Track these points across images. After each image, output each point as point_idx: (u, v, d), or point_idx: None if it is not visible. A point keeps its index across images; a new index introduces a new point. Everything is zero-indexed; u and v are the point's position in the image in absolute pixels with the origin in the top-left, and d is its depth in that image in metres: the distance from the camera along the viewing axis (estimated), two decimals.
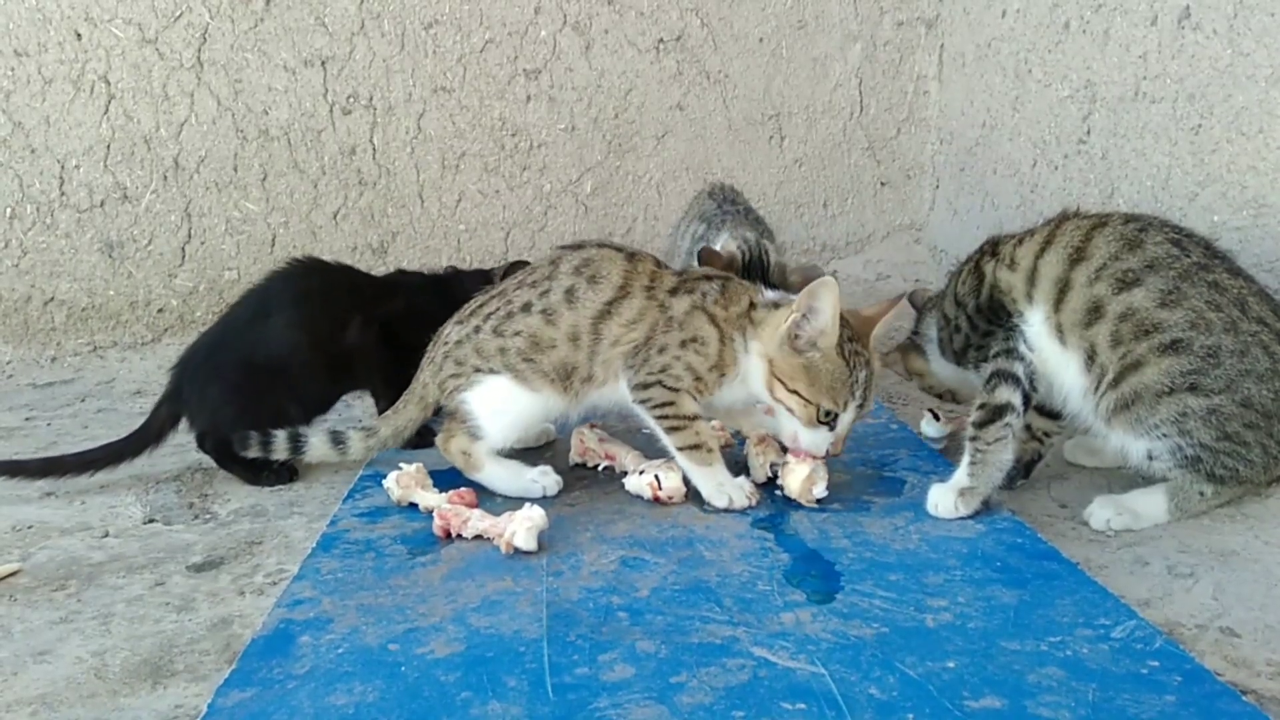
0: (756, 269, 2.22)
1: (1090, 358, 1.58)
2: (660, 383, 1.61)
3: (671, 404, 1.61)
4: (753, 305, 1.63)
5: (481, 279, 2.09)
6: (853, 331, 1.58)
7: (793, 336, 1.54)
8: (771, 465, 1.71)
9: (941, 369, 1.92)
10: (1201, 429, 1.52)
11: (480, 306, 1.72)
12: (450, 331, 1.73)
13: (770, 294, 1.65)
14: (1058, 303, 1.61)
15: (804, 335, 1.54)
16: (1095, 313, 1.57)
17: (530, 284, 1.68)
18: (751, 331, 1.61)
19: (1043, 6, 2.77)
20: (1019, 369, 1.62)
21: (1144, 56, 2.36)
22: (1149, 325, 1.53)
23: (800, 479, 1.60)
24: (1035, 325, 1.64)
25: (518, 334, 1.64)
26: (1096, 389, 1.58)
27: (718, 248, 2.26)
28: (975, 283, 1.74)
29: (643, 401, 1.63)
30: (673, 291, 1.64)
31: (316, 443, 1.76)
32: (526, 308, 1.65)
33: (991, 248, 1.76)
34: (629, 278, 1.64)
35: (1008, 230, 1.82)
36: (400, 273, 2.26)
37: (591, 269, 1.65)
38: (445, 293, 2.04)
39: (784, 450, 1.67)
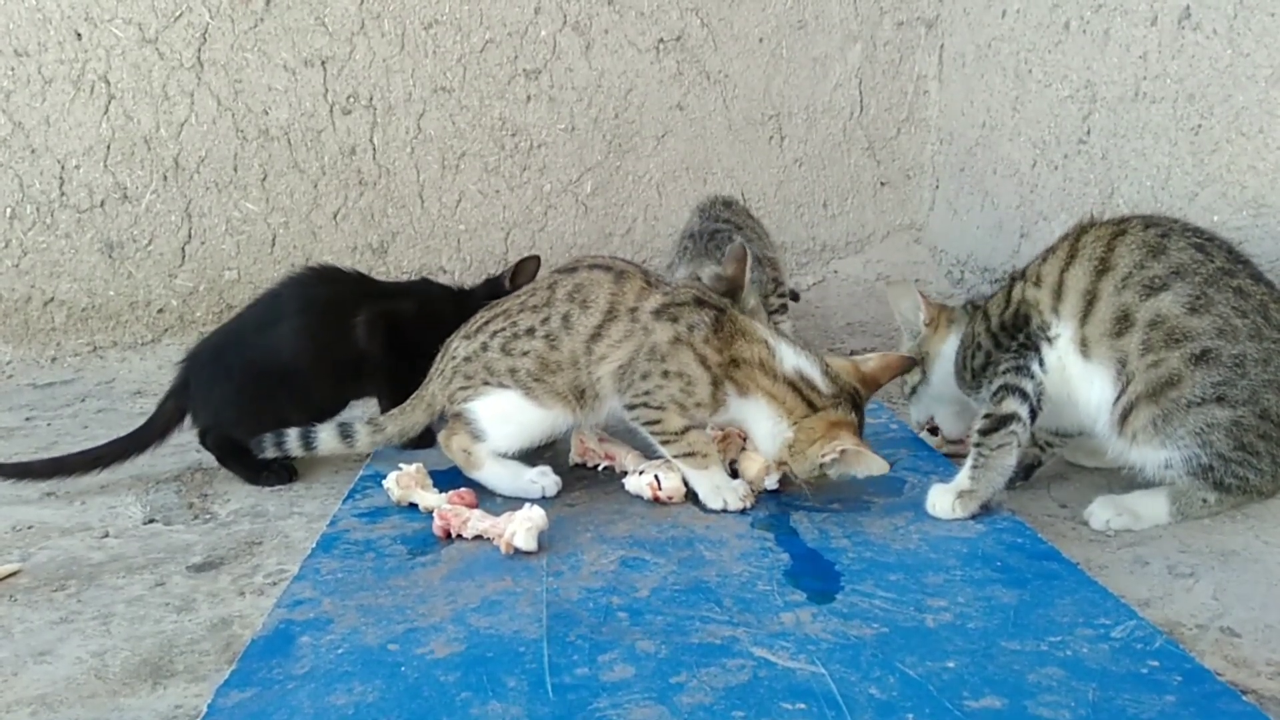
0: None
1: (1121, 366, 1.56)
2: (645, 404, 1.62)
3: (658, 422, 1.62)
4: (738, 361, 1.61)
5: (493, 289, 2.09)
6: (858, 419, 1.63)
7: (819, 464, 1.57)
8: (732, 462, 1.74)
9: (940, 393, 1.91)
10: (1223, 440, 1.51)
11: (486, 323, 1.72)
12: (458, 346, 1.74)
13: (789, 360, 1.62)
14: (1084, 316, 1.59)
15: (827, 467, 1.58)
16: (1124, 321, 1.55)
17: (531, 307, 1.69)
18: (752, 390, 1.61)
19: (1043, 6, 2.77)
20: (1028, 386, 1.61)
21: (1144, 56, 2.36)
22: (1179, 333, 1.52)
23: (758, 467, 1.67)
24: (1060, 341, 1.62)
25: (525, 354, 1.65)
26: (1120, 400, 1.56)
27: None
28: (1004, 303, 1.73)
29: (633, 419, 1.66)
30: (657, 314, 1.63)
31: (325, 436, 1.79)
32: (530, 332, 1.66)
33: (1021, 272, 1.75)
34: (614, 301, 1.65)
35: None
36: (424, 281, 2.23)
37: (582, 294, 1.66)
38: (461, 304, 2.02)
39: (743, 439, 1.74)
